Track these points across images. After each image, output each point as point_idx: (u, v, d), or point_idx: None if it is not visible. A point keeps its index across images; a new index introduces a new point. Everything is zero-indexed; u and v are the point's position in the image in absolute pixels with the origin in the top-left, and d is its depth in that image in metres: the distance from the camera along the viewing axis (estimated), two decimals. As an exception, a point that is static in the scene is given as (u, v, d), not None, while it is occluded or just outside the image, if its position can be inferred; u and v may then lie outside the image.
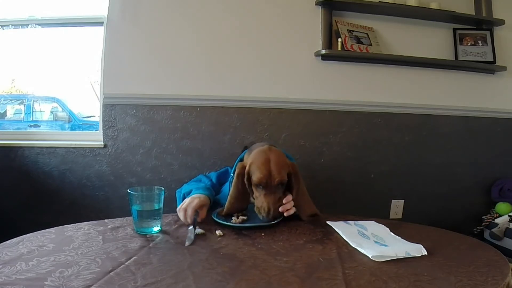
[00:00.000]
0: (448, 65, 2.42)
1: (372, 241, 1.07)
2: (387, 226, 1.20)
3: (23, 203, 2.14)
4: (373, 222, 1.25)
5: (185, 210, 1.20)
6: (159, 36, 2.15)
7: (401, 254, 0.96)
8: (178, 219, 1.26)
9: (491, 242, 2.19)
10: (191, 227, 1.15)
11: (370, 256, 0.95)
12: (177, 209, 1.24)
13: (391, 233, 1.14)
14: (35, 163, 2.13)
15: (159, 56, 2.15)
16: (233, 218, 1.22)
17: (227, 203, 1.28)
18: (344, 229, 1.16)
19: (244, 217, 1.23)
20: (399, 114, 2.40)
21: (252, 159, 1.27)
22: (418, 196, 2.47)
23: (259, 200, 1.24)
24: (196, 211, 1.21)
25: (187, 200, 1.24)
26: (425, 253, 0.97)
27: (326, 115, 2.32)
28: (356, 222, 1.24)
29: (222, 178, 1.51)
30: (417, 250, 0.98)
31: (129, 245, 1.02)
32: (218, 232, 1.14)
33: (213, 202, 1.38)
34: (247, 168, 1.26)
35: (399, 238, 1.09)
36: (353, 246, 1.03)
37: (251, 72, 2.23)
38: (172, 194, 1.52)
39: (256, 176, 1.23)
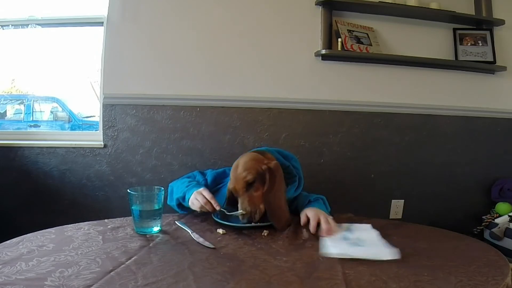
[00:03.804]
0: (448, 65, 2.42)
1: (350, 243, 1.05)
2: (387, 226, 1.20)
3: (23, 203, 2.14)
4: (368, 226, 1.20)
5: (202, 196, 1.26)
6: (159, 36, 2.15)
7: (369, 256, 0.95)
8: (179, 219, 1.27)
9: (491, 242, 2.19)
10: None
11: (331, 254, 0.96)
12: (191, 203, 1.30)
13: (380, 237, 1.09)
14: (35, 163, 2.13)
15: (159, 56, 2.15)
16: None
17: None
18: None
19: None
20: (399, 114, 2.40)
21: None
22: (418, 196, 2.47)
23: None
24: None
25: (198, 197, 1.27)
26: (398, 257, 0.94)
27: (326, 115, 2.32)
28: (350, 224, 1.21)
29: (219, 179, 1.50)
30: (389, 254, 0.96)
31: (129, 245, 1.02)
32: (220, 230, 1.15)
33: None
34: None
35: (383, 243, 1.05)
36: (327, 245, 1.03)
37: (251, 72, 2.23)
38: (172, 194, 1.51)
39: (229, 185, 1.29)
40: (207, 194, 1.26)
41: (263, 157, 1.32)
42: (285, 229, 1.21)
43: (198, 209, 1.28)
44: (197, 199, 1.27)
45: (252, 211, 1.21)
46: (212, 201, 1.25)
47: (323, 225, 1.14)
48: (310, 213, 1.22)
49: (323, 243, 1.04)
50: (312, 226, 1.18)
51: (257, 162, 1.27)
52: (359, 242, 1.06)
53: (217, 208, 1.24)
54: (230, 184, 1.28)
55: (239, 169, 1.26)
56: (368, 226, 1.20)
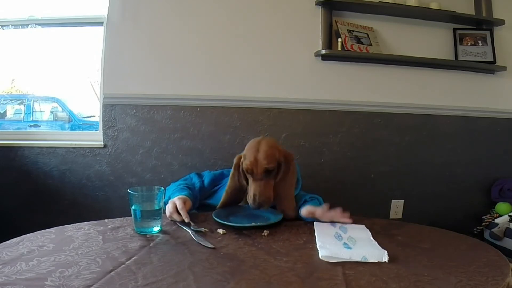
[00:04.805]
0: (448, 65, 2.42)
1: (342, 243, 1.05)
2: (388, 226, 1.20)
3: (23, 203, 2.14)
4: (361, 226, 1.20)
5: (173, 204, 1.23)
6: (159, 36, 2.15)
7: (356, 258, 0.95)
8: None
9: (491, 242, 2.19)
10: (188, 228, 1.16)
11: (320, 256, 0.96)
12: (168, 215, 1.26)
13: (371, 238, 1.09)
14: (35, 163, 2.13)
15: (159, 56, 2.15)
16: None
17: (224, 194, 1.35)
18: (323, 230, 1.16)
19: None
20: (399, 114, 2.40)
21: (245, 149, 1.34)
22: (418, 196, 2.47)
23: (249, 188, 1.29)
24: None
25: (169, 205, 1.25)
26: (386, 260, 0.94)
27: (326, 115, 2.32)
28: (342, 224, 1.21)
29: (216, 181, 1.50)
30: (378, 256, 0.95)
31: (129, 245, 1.02)
32: (221, 230, 1.15)
33: (206, 206, 1.39)
34: (242, 159, 1.32)
35: (374, 243, 1.05)
36: (317, 246, 1.03)
37: (251, 72, 2.23)
38: (172, 194, 1.51)
39: (244, 163, 1.29)
40: (179, 204, 1.22)
41: (281, 146, 1.36)
42: (293, 216, 1.29)
43: (168, 217, 1.25)
44: (169, 210, 1.24)
45: (265, 200, 1.25)
46: (182, 212, 1.21)
47: (319, 211, 1.24)
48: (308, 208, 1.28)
49: (317, 244, 1.05)
50: (313, 212, 1.25)
51: (278, 151, 1.31)
52: (350, 242, 1.06)
53: (186, 220, 1.19)
54: (247, 163, 1.28)
55: (261, 153, 1.27)
56: (362, 226, 1.20)
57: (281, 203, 1.31)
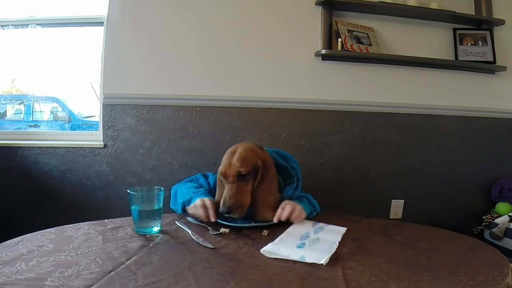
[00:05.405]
0: (448, 65, 2.42)
1: (299, 242, 1.06)
2: (387, 226, 1.19)
3: (23, 203, 2.14)
4: (343, 229, 1.16)
5: (203, 207, 1.23)
6: (159, 36, 2.15)
7: (294, 257, 0.95)
8: (179, 219, 1.27)
9: (491, 242, 2.19)
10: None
11: (260, 250, 0.98)
12: (191, 209, 1.27)
13: (337, 242, 1.05)
14: (35, 163, 2.13)
15: (159, 56, 2.15)
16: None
17: (216, 200, 1.33)
18: (296, 229, 1.17)
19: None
20: (399, 114, 2.39)
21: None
22: (418, 196, 2.47)
23: None
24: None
25: (197, 202, 1.25)
26: (323, 262, 0.91)
27: (326, 115, 2.32)
28: (323, 225, 1.19)
29: None
30: (316, 257, 0.93)
31: (129, 245, 1.02)
32: (222, 230, 1.15)
33: None
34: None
35: (333, 246, 1.02)
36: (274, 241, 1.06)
37: (251, 72, 2.22)
38: (172, 194, 1.51)
39: (219, 168, 1.26)
40: (209, 203, 1.23)
41: (261, 151, 1.31)
42: (267, 219, 1.23)
43: (191, 212, 1.26)
44: (197, 205, 1.24)
45: (235, 205, 1.19)
46: (211, 211, 1.21)
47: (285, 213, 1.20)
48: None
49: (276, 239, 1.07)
50: (277, 214, 1.21)
51: (255, 155, 1.26)
52: (311, 242, 1.06)
53: (213, 219, 1.20)
54: (221, 167, 1.25)
55: (236, 156, 1.23)
56: (343, 229, 1.16)
57: (255, 206, 1.25)
